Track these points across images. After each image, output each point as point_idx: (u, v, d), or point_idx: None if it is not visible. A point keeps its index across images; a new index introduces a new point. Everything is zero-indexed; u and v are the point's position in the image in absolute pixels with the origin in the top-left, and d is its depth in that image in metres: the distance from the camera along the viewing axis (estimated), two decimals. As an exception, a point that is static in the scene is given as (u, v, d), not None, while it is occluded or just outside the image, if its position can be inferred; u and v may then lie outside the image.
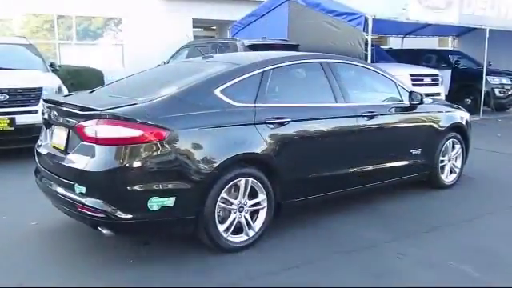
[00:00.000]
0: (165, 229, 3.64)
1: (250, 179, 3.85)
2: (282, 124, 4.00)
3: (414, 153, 5.17)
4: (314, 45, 9.39)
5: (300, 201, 4.25)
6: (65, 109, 3.72)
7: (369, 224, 4.51)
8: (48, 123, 4.15)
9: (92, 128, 3.41)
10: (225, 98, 3.81)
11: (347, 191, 4.65)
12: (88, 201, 3.41)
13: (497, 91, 12.56)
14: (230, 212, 3.81)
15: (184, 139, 3.50)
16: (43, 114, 4.27)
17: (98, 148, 3.38)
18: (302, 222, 4.44)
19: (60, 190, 3.69)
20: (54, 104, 3.97)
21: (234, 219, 3.83)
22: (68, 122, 3.67)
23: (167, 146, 3.43)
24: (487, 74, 12.33)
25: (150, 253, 3.83)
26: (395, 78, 5.24)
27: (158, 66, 13.58)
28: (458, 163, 5.78)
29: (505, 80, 12.69)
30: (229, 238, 3.80)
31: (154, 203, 3.42)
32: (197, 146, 3.57)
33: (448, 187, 5.65)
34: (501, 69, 13.05)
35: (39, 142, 4.30)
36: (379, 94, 5.06)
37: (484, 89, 12.24)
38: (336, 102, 4.50)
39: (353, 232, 4.32)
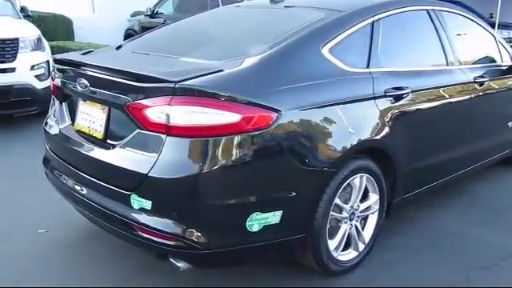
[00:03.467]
0: (264, 256, 2.51)
1: (365, 175, 2.76)
2: (400, 97, 2.89)
3: (510, 125, 4.21)
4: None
5: (411, 196, 3.20)
6: (102, 76, 2.44)
7: (482, 222, 3.55)
8: (64, 94, 2.86)
9: (161, 110, 2.17)
10: (335, 61, 2.62)
11: (458, 175, 3.65)
12: (155, 221, 2.22)
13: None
14: (339, 222, 2.73)
15: (294, 124, 2.33)
16: (53, 79, 2.96)
17: (170, 141, 2.16)
18: (395, 225, 3.41)
19: (99, 198, 2.47)
20: (75, 67, 2.67)
21: (345, 231, 2.76)
22: (111, 97, 2.41)
23: (273, 135, 2.26)
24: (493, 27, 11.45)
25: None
26: (495, 32, 4.18)
27: (149, 14, 12.06)
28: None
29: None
30: (339, 258, 2.74)
31: (255, 222, 2.28)
32: (309, 134, 2.41)
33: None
34: (510, 22, 12.20)
35: (49, 121, 3.01)
36: (482, 52, 3.99)
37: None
38: (447, 65, 3.41)
39: (469, 234, 3.34)
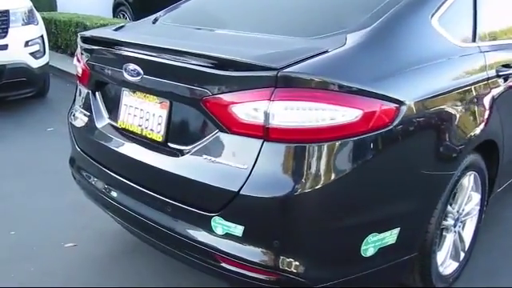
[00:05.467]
0: (372, 284, 2.01)
1: (473, 173, 2.29)
2: (509, 76, 2.39)
3: None
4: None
5: (500, 191, 2.75)
6: (163, 61, 1.86)
7: None
8: (97, 82, 2.28)
9: (256, 106, 1.62)
10: (446, 34, 2.09)
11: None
12: (247, 251, 1.70)
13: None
14: (444, 231, 2.26)
15: (417, 118, 1.80)
16: (79, 59, 2.37)
17: (269, 148, 1.62)
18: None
19: (159, 217, 1.94)
20: (116, 47, 2.09)
21: (451, 241, 2.29)
22: (177, 89, 1.83)
23: (395, 135, 1.74)
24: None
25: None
26: None
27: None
28: None
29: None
30: (443, 273, 2.28)
31: (371, 245, 1.78)
32: (432, 129, 1.90)
33: None
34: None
35: (77, 115, 2.43)
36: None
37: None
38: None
39: None
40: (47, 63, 5.35)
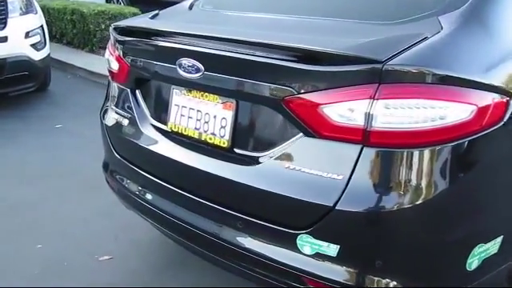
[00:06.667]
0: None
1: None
2: None
3: None
4: None
5: None
6: (230, 55, 1.60)
7: None
8: (137, 78, 2.02)
9: (354, 106, 1.38)
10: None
11: None
12: (341, 272, 1.47)
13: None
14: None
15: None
16: (113, 52, 2.10)
17: (370, 155, 1.38)
18: None
19: (225, 233, 1.70)
20: (161, 39, 1.82)
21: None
22: (249, 87, 1.58)
23: (507, 131, 1.51)
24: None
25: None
26: None
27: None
28: None
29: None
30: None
31: (476, 257, 1.54)
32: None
33: None
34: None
35: (112, 114, 2.16)
36: None
37: None
38: None
39: None
40: (48, 55, 5.03)
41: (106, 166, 2.32)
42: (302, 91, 1.45)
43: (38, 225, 2.79)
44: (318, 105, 1.42)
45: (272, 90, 1.52)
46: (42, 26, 4.90)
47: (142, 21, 2.10)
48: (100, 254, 2.51)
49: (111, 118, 2.17)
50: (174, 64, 1.73)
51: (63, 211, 2.94)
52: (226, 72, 1.63)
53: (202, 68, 1.65)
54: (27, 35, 4.64)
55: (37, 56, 4.73)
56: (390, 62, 1.34)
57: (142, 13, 7.25)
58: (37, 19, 4.87)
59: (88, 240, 2.65)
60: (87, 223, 2.80)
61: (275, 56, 1.49)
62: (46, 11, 7.61)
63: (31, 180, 3.34)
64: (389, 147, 1.38)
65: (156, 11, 2.29)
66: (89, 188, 3.19)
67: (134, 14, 7.11)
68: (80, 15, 6.83)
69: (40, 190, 3.18)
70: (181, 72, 1.72)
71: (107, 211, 2.86)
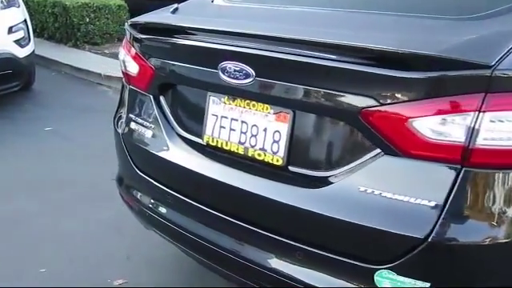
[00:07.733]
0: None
1: None
2: None
3: None
4: None
5: None
6: (284, 57, 1.35)
7: None
8: (161, 84, 1.75)
9: (452, 119, 1.16)
10: None
11: None
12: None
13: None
14: None
15: None
16: (129, 53, 1.83)
17: (472, 177, 1.15)
18: None
19: (277, 263, 1.46)
20: (191, 38, 1.57)
21: None
22: (311, 96, 1.35)
23: None
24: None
25: None
26: None
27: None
28: None
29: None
30: None
31: None
32: None
33: None
34: None
35: (130, 124, 1.88)
36: None
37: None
38: None
39: None
40: (33, 51, 4.68)
41: (120, 181, 2.05)
42: (387, 102, 1.21)
43: (39, 244, 2.50)
44: (406, 118, 1.19)
45: (344, 99, 1.28)
46: (25, 21, 4.55)
47: (165, 16, 1.82)
48: (113, 278, 2.24)
49: (128, 127, 1.89)
50: (215, 68, 1.48)
51: (66, 227, 2.66)
52: (282, 78, 1.38)
53: (253, 73, 1.40)
54: (10, 30, 4.29)
55: (21, 53, 4.38)
56: (499, 67, 1.12)
57: (129, 6, 6.99)
58: (20, 13, 4.52)
59: (97, 261, 2.37)
60: (94, 240, 2.53)
61: (350, 60, 1.25)
62: (25, 3, 7.20)
63: (27, 192, 3.03)
64: (494, 168, 1.16)
65: (174, 5, 2.02)
66: (89, 199, 2.91)
67: (120, 7, 6.77)
68: (62, 8, 6.45)
69: (37, 203, 2.89)
70: (224, 77, 1.47)
71: (114, 226, 2.60)
